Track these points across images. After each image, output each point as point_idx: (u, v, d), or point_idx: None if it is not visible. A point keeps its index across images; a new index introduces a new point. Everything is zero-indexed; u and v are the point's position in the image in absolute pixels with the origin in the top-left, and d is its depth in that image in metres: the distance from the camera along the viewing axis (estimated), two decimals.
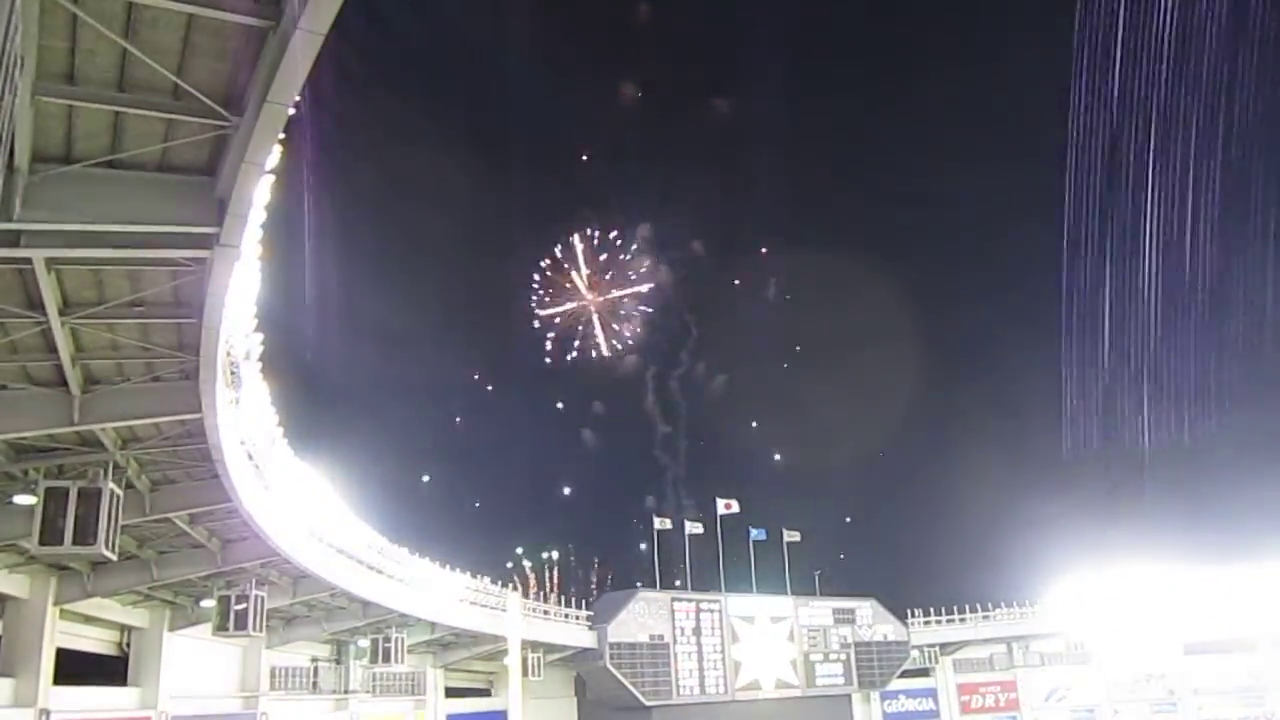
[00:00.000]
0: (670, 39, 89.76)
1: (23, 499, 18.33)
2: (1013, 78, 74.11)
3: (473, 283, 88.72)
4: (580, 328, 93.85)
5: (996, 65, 75.61)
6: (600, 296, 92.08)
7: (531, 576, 79.24)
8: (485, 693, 50.13)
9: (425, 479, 79.51)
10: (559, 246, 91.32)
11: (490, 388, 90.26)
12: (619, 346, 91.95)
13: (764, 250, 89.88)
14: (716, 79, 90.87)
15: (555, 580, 78.94)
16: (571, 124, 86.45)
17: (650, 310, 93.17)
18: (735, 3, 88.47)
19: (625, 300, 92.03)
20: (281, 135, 9.94)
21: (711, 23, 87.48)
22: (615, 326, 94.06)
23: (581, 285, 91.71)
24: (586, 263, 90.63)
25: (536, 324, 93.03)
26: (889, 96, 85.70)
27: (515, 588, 50.98)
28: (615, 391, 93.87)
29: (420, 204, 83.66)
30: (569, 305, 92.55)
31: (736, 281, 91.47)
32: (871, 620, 60.61)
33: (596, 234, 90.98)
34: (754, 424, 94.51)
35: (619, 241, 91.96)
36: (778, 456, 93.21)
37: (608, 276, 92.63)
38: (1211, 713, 55.18)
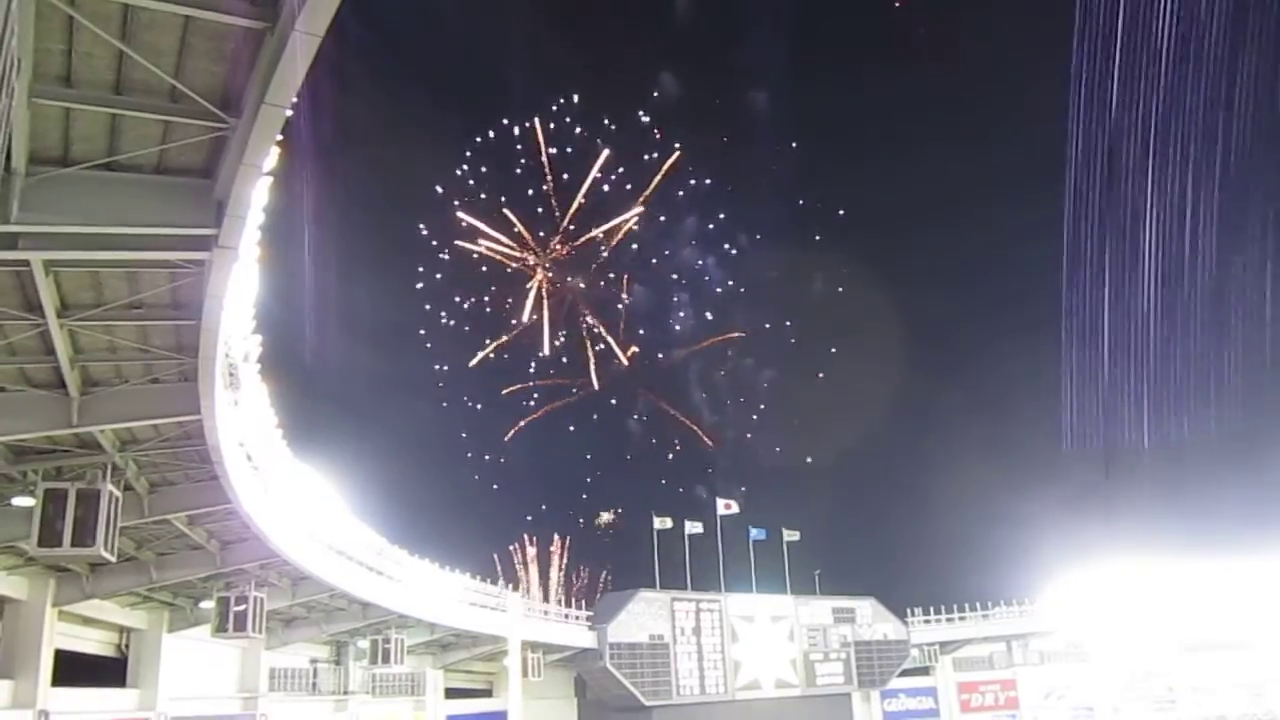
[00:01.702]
0: (703, 32, 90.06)
1: (21, 501, 18.32)
2: (1012, 75, 74.29)
3: (481, 281, 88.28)
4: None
5: (997, 67, 75.92)
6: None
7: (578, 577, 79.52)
8: (485, 693, 50.14)
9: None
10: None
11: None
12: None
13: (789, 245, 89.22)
14: (741, 72, 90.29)
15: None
16: (587, 121, 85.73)
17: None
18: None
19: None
20: (279, 137, 9.95)
21: (744, 18, 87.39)
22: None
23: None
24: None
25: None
26: (890, 96, 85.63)
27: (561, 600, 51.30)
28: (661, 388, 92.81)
29: (419, 205, 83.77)
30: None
31: (739, 287, 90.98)
32: (871, 619, 60.66)
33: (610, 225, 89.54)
34: (758, 424, 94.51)
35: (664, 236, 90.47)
36: (778, 451, 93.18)
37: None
38: (1211, 710, 55.24)
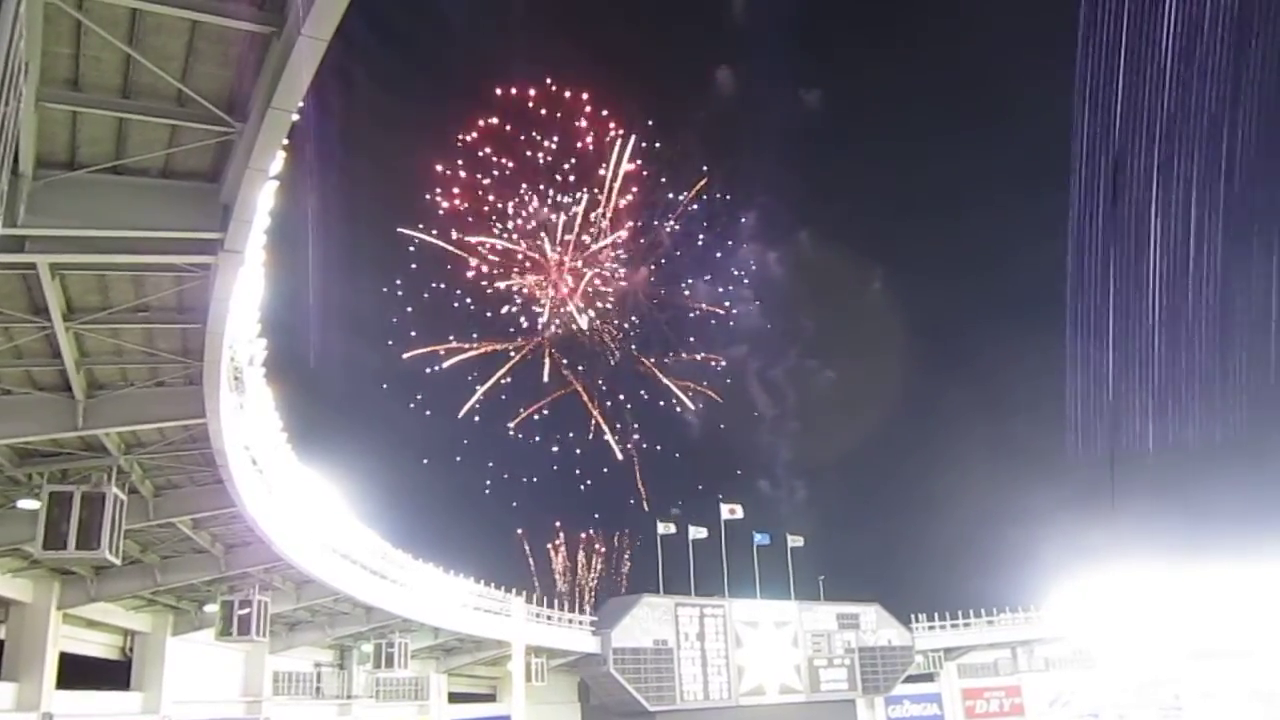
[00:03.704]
0: (759, 32, 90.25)
1: (26, 503, 18.37)
2: (1019, 80, 74.63)
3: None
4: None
5: (1001, 79, 76.50)
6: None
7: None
8: (489, 698, 50.07)
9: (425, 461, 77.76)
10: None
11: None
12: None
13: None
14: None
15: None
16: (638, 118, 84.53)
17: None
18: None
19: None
20: (285, 141, 9.97)
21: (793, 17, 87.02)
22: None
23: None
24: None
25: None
26: (900, 98, 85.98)
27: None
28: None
29: (426, 207, 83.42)
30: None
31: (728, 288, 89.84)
32: (875, 625, 60.53)
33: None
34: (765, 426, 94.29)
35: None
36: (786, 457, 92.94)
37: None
38: (1219, 717, 54.95)
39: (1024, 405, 76.77)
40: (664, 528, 57.77)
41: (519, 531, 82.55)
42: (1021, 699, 60.58)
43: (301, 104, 9.21)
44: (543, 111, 79.00)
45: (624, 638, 50.61)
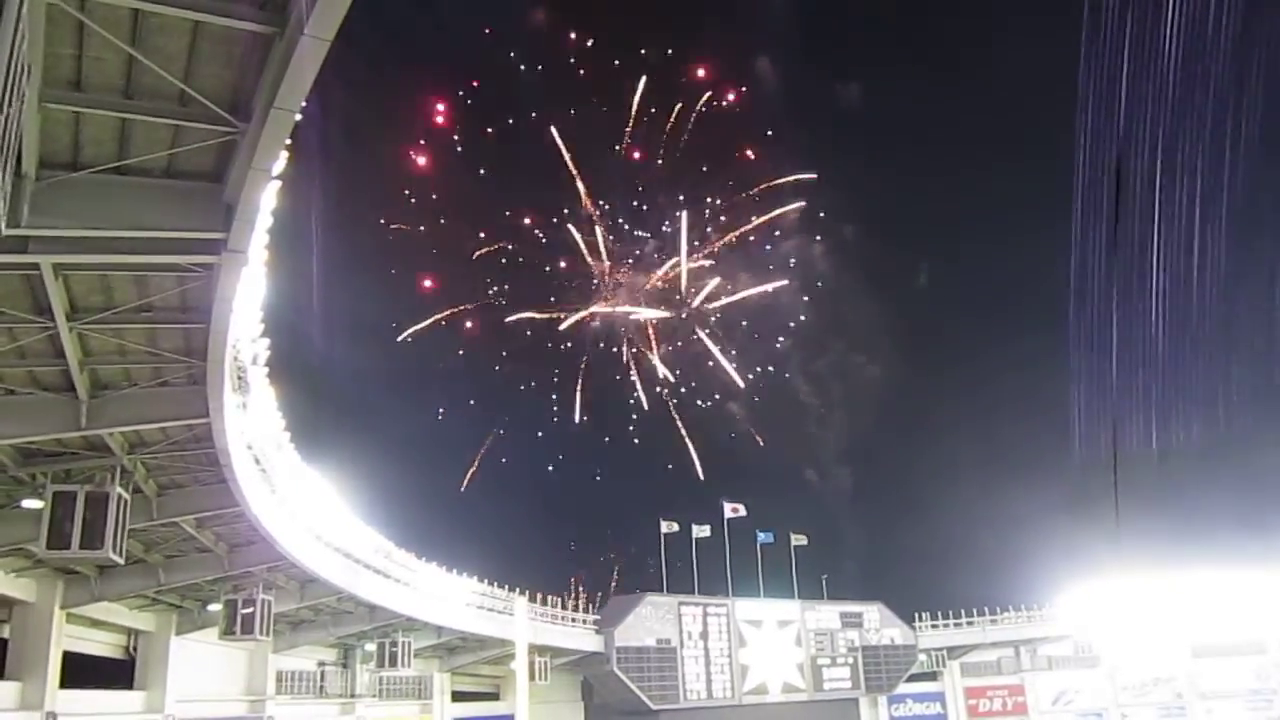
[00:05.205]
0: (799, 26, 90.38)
1: (30, 503, 18.40)
2: (1022, 85, 74.50)
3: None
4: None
5: (1007, 78, 76.48)
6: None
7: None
8: (492, 697, 50.10)
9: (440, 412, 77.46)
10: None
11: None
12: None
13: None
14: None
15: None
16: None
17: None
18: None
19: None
20: (288, 141, 9.96)
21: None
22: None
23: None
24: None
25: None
26: (903, 104, 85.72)
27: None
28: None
29: (429, 207, 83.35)
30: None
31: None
32: (879, 624, 60.44)
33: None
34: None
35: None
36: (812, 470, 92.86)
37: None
38: (1220, 716, 54.93)
39: (1028, 406, 76.46)
40: (667, 526, 57.73)
41: (571, 542, 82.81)
42: (1025, 698, 60.47)
43: (305, 103, 9.21)
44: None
45: (627, 636, 50.60)
